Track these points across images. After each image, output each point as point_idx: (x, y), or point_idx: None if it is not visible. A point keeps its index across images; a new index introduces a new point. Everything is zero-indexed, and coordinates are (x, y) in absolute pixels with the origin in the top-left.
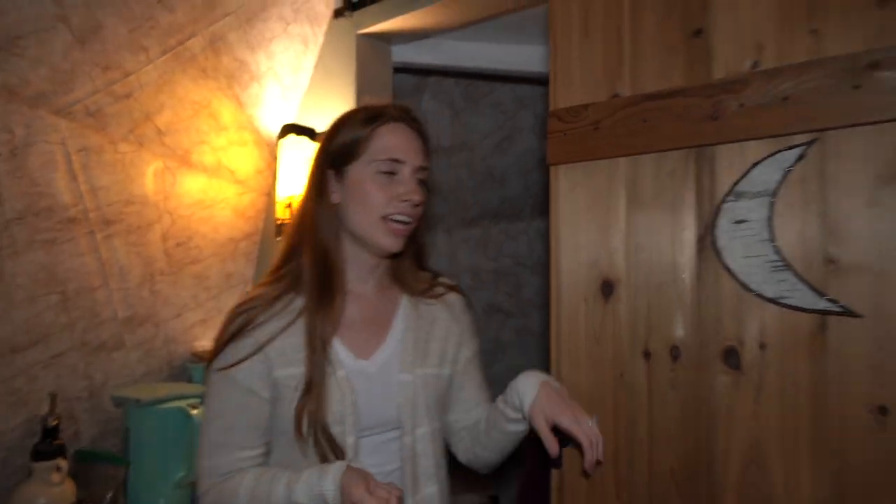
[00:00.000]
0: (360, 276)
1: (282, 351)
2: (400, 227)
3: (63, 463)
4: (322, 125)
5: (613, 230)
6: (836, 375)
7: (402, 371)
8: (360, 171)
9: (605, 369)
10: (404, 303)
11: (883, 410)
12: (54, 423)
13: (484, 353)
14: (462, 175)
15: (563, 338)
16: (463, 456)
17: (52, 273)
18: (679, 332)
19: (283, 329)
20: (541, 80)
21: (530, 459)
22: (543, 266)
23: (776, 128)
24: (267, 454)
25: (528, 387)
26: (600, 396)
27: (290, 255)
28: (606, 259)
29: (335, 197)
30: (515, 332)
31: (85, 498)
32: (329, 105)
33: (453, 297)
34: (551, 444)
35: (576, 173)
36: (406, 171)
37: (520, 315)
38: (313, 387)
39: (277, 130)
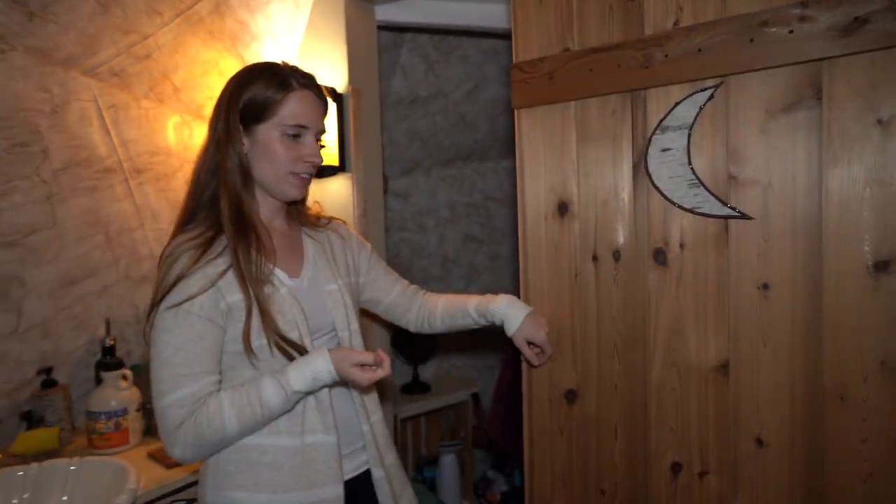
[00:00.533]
0: (270, 214)
1: (230, 281)
2: (304, 179)
3: (129, 372)
4: (320, 79)
5: (567, 161)
6: (734, 263)
7: (327, 283)
8: (268, 132)
9: (563, 272)
10: (305, 232)
11: (766, 286)
12: (111, 342)
13: (461, 277)
14: (438, 121)
15: (529, 249)
16: (414, 327)
17: (97, 216)
18: (620, 239)
19: (230, 265)
20: (503, 35)
21: (506, 354)
22: (511, 199)
23: (693, 73)
24: (220, 382)
25: (515, 317)
26: (559, 293)
27: (201, 198)
28: (561, 184)
29: (244, 148)
30: (488, 258)
31: (147, 402)
32: (321, 61)
33: (336, 224)
34: (533, 360)
35: (535, 115)
36: (309, 135)
37: (491, 242)
38: (259, 306)
39: None
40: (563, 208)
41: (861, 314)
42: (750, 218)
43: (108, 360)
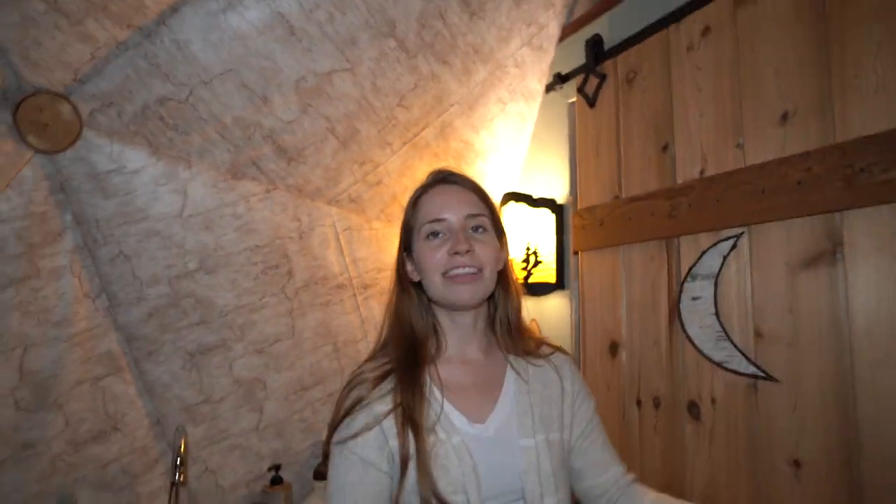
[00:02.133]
0: (460, 340)
1: (393, 423)
2: (461, 276)
3: None
4: (541, 188)
5: (618, 303)
6: (763, 432)
7: (522, 436)
8: (418, 244)
9: (613, 410)
10: (511, 364)
11: (797, 464)
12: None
13: None
14: None
15: (589, 383)
16: None
17: (328, 328)
18: (660, 386)
19: (397, 405)
20: None
21: None
22: None
23: (714, 223)
24: None
25: None
26: (612, 430)
27: (386, 336)
28: (613, 325)
29: (413, 276)
30: None
31: None
32: (546, 168)
33: (561, 358)
34: None
35: (593, 258)
36: (450, 226)
37: None
38: (417, 458)
39: (502, 195)
40: (613, 348)
41: None
42: (776, 380)
43: (323, 467)
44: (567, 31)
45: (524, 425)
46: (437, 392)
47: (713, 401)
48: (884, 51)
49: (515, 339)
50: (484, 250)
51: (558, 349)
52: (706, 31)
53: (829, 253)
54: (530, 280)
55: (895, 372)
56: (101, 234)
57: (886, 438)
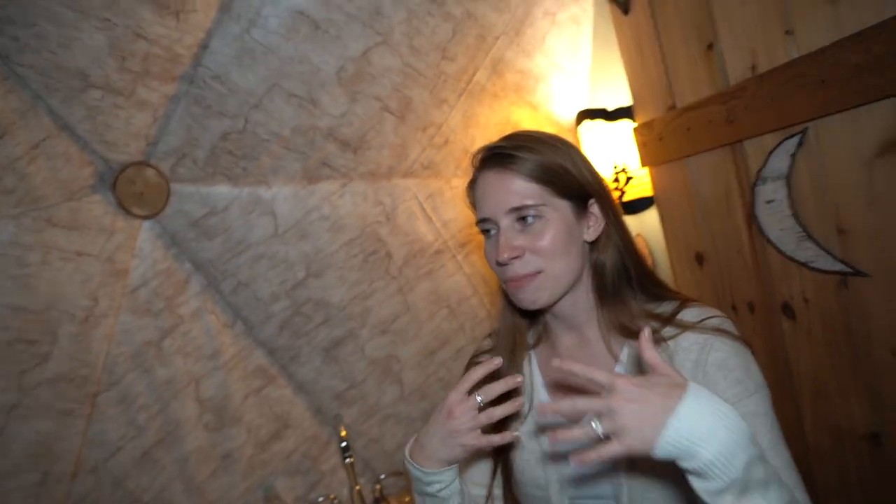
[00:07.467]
0: (563, 328)
1: None
2: (519, 283)
3: None
4: (616, 98)
5: (694, 214)
6: (860, 325)
7: None
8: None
9: None
10: (625, 357)
11: None
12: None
13: None
14: None
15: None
16: None
17: (438, 294)
18: (751, 291)
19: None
20: None
21: None
22: None
23: (774, 123)
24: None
25: None
26: None
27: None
28: (695, 237)
29: None
30: None
31: None
32: (616, 75)
33: (693, 339)
34: None
35: (663, 173)
36: (496, 223)
37: None
38: (498, 459)
39: (574, 115)
40: (699, 259)
41: None
42: (866, 275)
43: None
44: None
45: None
46: (538, 383)
47: (805, 300)
48: None
49: (629, 322)
50: (539, 243)
51: (692, 327)
52: None
53: None
54: (625, 199)
55: None
56: (218, 271)
57: None
